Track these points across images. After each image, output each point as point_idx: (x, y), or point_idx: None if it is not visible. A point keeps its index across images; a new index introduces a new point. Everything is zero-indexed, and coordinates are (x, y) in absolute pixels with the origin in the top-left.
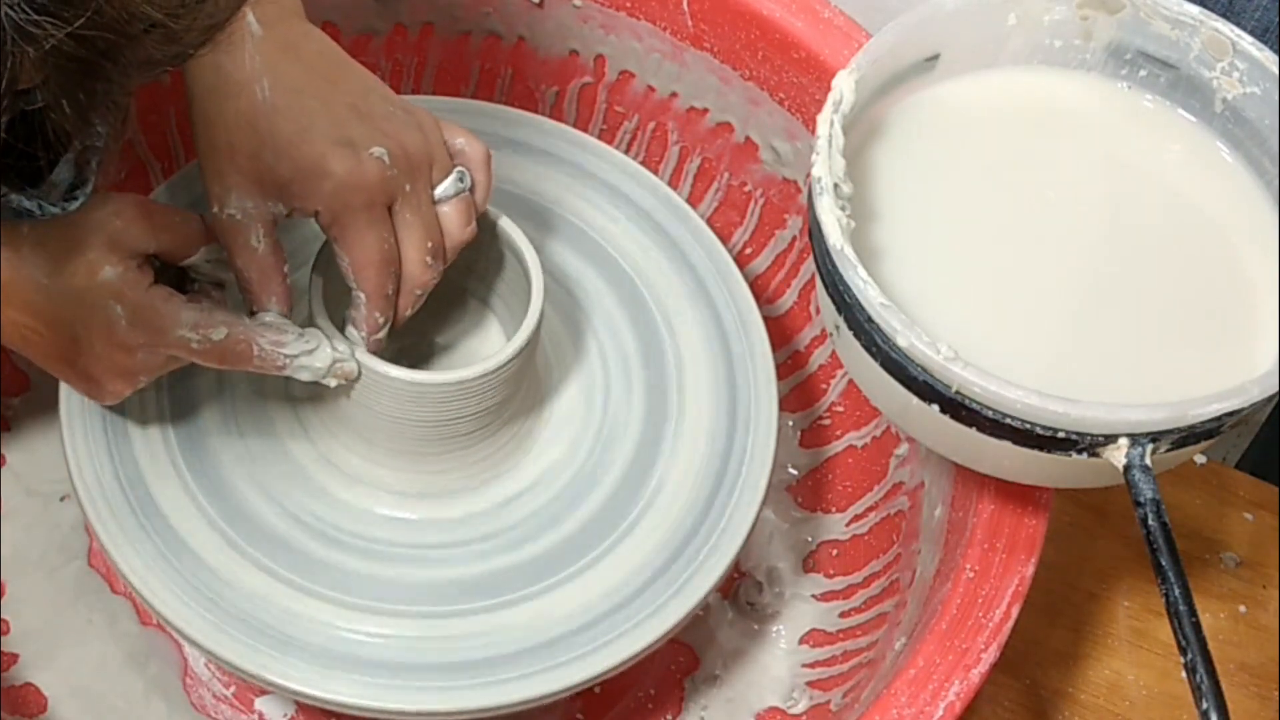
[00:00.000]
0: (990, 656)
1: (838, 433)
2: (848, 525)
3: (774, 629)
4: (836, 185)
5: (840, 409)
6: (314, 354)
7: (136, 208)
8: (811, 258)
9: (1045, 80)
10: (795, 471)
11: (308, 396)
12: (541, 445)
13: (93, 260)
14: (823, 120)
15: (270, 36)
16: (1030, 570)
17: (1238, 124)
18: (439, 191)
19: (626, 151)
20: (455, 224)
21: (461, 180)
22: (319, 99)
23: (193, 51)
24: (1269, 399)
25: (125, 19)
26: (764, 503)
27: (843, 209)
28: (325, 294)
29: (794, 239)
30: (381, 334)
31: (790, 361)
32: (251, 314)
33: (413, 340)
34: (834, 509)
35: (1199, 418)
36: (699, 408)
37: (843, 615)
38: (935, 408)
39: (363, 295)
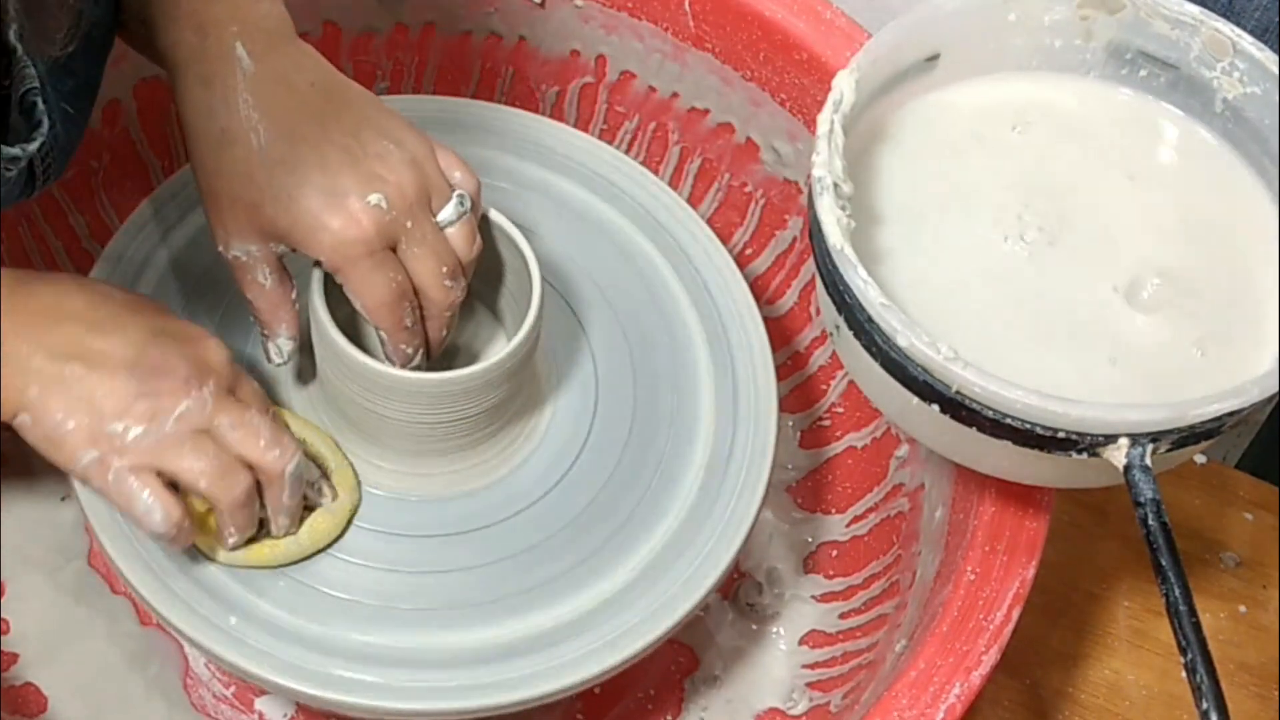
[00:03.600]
0: (991, 659)
1: (838, 434)
2: (848, 526)
3: (774, 630)
4: (836, 185)
5: (840, 410)
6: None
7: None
8: (812, 258)
9: (1045, 80)
10: (795, 472)
11: (308, 393)
12: (540, 445)
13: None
14: (823, 120)
15: (262, 71)
16: (1031, 573)
17: (1238, 124)
18: (441, 218)
19: (627, 152)
20: (462, 246)
21: (462, 204)
22: (311, 145)
23: None
24: (1269, 399)
25: None
26: (764, 503)
27: (843, 209)
28: (326, 285)
29: (794, 239)
30: (417, 359)
31: (790, 362)
32: (264, 338)
33: None
34: (834, 510)
35: (1199, 418)
36: (699, 408)
37: (842, 616)
38: (935, 408)
39: (384, 333)
